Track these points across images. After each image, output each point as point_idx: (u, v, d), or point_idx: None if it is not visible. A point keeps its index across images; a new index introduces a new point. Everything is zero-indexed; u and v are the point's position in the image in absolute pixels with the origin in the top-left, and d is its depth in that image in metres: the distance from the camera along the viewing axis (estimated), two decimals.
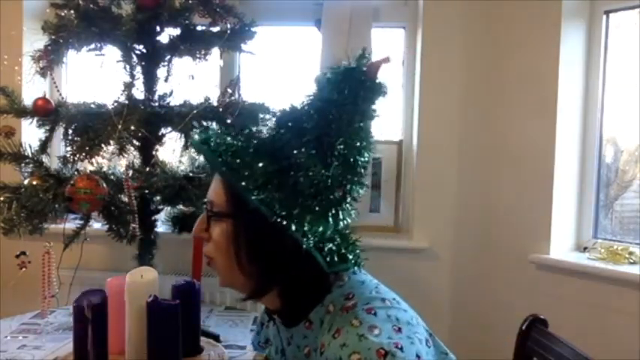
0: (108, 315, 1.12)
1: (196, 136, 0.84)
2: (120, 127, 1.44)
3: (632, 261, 1.79)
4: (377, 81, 0.80)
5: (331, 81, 0.80)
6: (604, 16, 1.95)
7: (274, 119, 0.83)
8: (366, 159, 0.81)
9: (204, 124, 1.61)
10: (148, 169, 1.57)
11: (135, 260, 1.70)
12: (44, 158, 1.67)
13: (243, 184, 0.76)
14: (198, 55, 1.69)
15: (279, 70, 2.30)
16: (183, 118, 1.56)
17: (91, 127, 1.48)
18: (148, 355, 1.10)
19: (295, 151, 0.77)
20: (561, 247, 1.95)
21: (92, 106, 1.63)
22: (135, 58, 1.65)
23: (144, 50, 1.69)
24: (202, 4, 1.69)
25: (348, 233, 0.84)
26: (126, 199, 1.48)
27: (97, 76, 1.66)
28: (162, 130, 1.67)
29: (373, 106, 0.81)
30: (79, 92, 2.19)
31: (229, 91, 1.73)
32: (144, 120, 1.53)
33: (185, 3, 1.67)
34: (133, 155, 1.64)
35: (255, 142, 0.81)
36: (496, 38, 2.09)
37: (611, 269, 1.75)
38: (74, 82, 2.36)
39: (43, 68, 1.59)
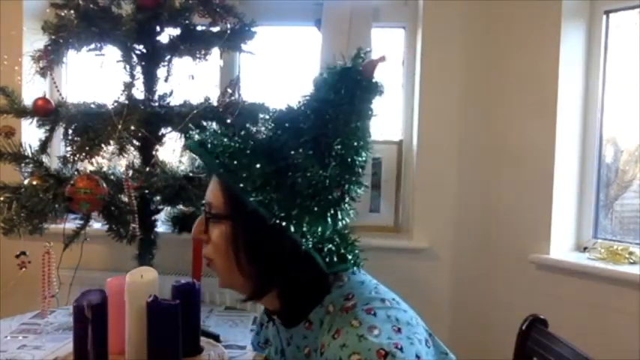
0: (108, 315, 1.12)
1: (193, 138, 0.83)
2: (120, 127, 1.44)
3: (632, 261, 1.79)
4: (373, 80, 0.80)
5: (327, 81, 0.80)
6: (604, 16, 1.95)
7: (271, 120, 0.82)
8: (364, 159, 0.80)
9: (205, 124, 1.61)
10: (148, 169, 1.57)
11: (135, 260, 1.71)
12: (44, 158, 1.67)
13: (241, 185, 0.76)
14: (198, 55, 1.69)
15: (279, 70, 2.30)
16: (183, 118, 1.56)
17: (91, 127, 1.48)
18: (148, 355, 1.10)
19: (293, 152, 0.77)
20: (561, 247, 1.95)
21: (92, 106, 1.63)
22: (135, 58, 1.65)
23: (144, 50, 1.69)
24: (202, 4, 1.69)
25: (347, 233, 0.84)
26: (126, 199, 1.48)
27: (97, 76, 1.66)
28: (163, 130, 1.67)
29: (370, 106, 0.81)
30: (79, 92, 2.19)
31: (229, 91, 1.74)
32: (144, 120, 1.53)
33: (185, 3, 1.67)
34: (133, 155, 1.64)
35: (252, 143, 0.80)
36: (496, 38, 2.09)
37: (611, 269, 1.75)
38: (74, 82, 2.36)
39: (43, 68, 1.59)
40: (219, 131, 0.87)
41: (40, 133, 1.68)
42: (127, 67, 1.58)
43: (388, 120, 2.31)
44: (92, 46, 1.60)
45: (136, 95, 1.63)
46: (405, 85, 2.29)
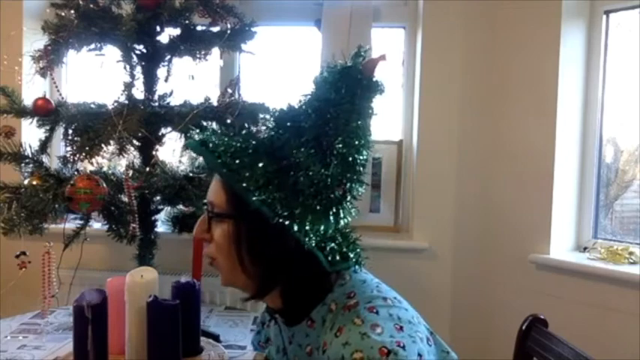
0: (108, 315, 1.12)
1: (194, 138, 0.83)
2: (120, 127, 1.44)
3: (632, 261, 1.80)
4: (374, 79, 0.80)
5: (328, 80, 0.80)
6: (604, 16, 1.95)
7: (272, 119, 0.83)
8: (365, 157, 0.81)
9: (205, 124, 1.61)
10: (148, 169, 1.57)
11: (135, 260, 1.71)
12: (44, 158, 1.67)
13: (244, 184, 0.76)
14: (198, 55, 1.69)
15: (279, 70, 2.30)
16: (183, 118, 1.56)
17: (91, 127, 1.47)
18: (148, 355, 1.10)
19: (294, 151, 0.77)
20: (561, 247, 1.95)
21: (92, 106, 1.63)
22: (135, 58, 1.65)
23: (144, 50, 1.69)
24: (202, 4, 1.69)
25: (348, 232, 0.84)
26: (126, 199, 1.48)
27: (97, 76, 1.66)
28: (163, 130, 1.67)
29: (371, 104, 0.81)
30: (79, 92, 2.19)
31: (229, 91, 1.74)
32: (144, 120, 1.52)
33: (185, 3, 1.67)
34: (133, 155, 1.64)
35: (253, 142, 0.80)
36: (496, 38, 2.09)
37: (611, 269, 1.75)
38: (74, 82, 2.36)
39: (43, 68, 1.59)
40: (219, 131, 0.88)
41: (40, 133, 1.68)
42: (127, 67, 1.58)
43: (388, 120, 2.31)
44: (92, 46, 1.60)
45: (136, 95, 1.63)
46: (405, 85, 2.29)
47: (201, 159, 1.73)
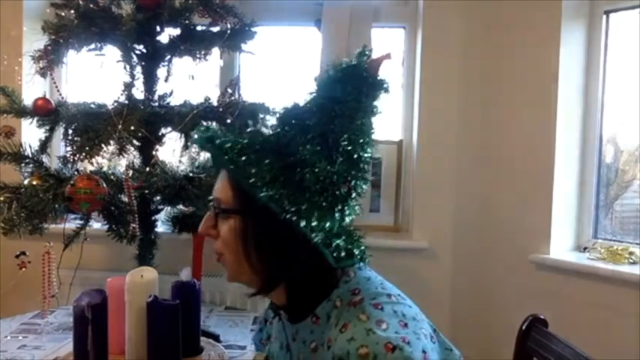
0: (108, 315, 1.12)
1: (199, 134, 0.83)
2: (120, 127, 1.44)
3: (632, 261, 1.79)
4: (379, 77, 0.81)
5: (333, 78, 0.81)
6: (604, 16, 1.95)
7: (278, 117, 0.83)
8: (369, 155, 0.82)
9: (205, 124, 1.61)
10: (148, 169, 1.57)
11: (135, 260, 1.70)
12: (44, 158, 1.67)
13: (252, 181, 0.76)
14: (198, 55, 1.69)
15: (279, 70, 2.30)
16: (183, 118, 1.56)
17: (91, 127, 1.47)
18: (148, 355, 1.10)
19: (300, 148, 0.78)
20: (561, 247, 1.95)
21: (92, 106, 1.63)
22: (135, 58, 1.65)
23: (144, 50, 1.69)
24: (202, 4, 1.69)
25: (353, 229, 0.85)
26: (126, 199, 1.48)
27: (97, 76, 1.66)
28: (163, 130, 1.67)
29: (375, 103, 0.82)
30: (79, 92, 2.19)
31: (229, 91, 1.74)
32: (144, 120, 1.52)
33: (185, 3, 1.67)
34: (133, 155, 1.64)
35: (260, 139, 0.81)
36: (496, 38, 2.09)
37: (611, 269, 1.75)
38: (74, 82, 2.36)
39: (43, 68, 1.59)
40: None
41: (40, 133, 1.68)
42: (127, 67, 1.58)
43: (388, 120, 2.31)
44: (92, 46, 1.60)
45: (136, 95, 1.63)
46: (405, 85, 2.29)
47: (201, 158, 1.74)
